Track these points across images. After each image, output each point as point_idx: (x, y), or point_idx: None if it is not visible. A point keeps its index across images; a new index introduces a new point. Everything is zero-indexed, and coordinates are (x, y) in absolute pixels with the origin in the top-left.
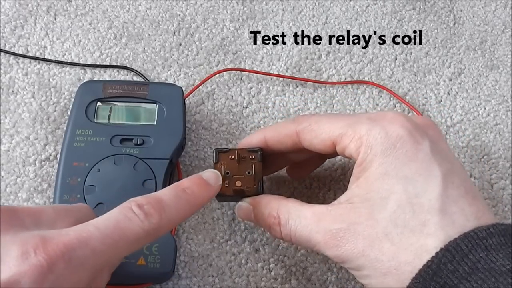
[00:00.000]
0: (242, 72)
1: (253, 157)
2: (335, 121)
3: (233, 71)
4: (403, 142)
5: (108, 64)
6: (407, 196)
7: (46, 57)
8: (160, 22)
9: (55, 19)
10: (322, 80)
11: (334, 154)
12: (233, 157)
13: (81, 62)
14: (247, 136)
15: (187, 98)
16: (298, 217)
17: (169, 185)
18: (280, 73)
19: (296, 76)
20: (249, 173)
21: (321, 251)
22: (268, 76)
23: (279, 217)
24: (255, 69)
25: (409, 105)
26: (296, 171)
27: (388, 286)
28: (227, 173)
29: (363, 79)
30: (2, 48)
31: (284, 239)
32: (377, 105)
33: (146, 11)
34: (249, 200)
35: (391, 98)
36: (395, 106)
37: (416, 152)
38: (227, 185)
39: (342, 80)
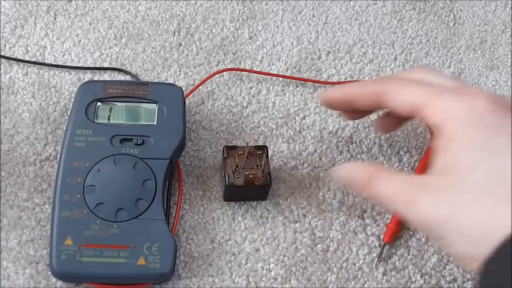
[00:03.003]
0: (242, 72)
1: (260, 152)
2: (418, 89)
3: (233, 71)
4: (489, 115)
5: (108, 64)
6: (494, 166)
7: (46, 57)
8: (160, 22)
9: (55, 19)
10: (322, 80)
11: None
12: (241, 153)
13: (80, 63)
14: (327, 89)
15: (187, 98)
16: (386, 179)
17: (168, 185)
18: (280, 73)
19: (296, 76)
20: (257, 166)
21: (404, 214)
22: (268, 76)
23: (372, 175)
24: (255, 69)
25: None
26: (385, 124)
27: (475, 253)
28: (237, 166)
29: (363, 79)
30: (2, 48)
31: (370, 197)
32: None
33: (146, 11)
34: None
35: None
36: None
37: (504, 125)
38: (238, 177)
39: (342, 80)
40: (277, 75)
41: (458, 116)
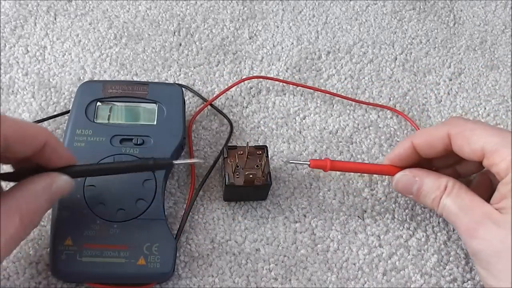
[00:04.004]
0: (263, 79)
1: (260, 153)
2: (490, 134)
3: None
4: None
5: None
6: None
7: (46, 57)
8: (160, 22)
9: (55, 19)
10: (323, 83)
11: (468, 173)
12: (242, 153)
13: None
14: (394, 148)
15: (186, 99)
16: (455, 197)
17: (166, 185)
18: (280, 73)
19: (317, 87)
20: (257, 166)
21: (460, 235)
22: (267, 76)
23: (446, 190)
24: (255, 69)
25: (399, 110)
26: None
27: None
28: (237, 166)
29: (363, 79)
30: (2, 48)
31: (435, 210)
32: (377, 105)
33: (146, 11)
34: (415, 171)
35: (391, 98)
36: (394, 105)
37: None
38: (238, 177)
39: (342, 80)
40: (300, 85)
41: None
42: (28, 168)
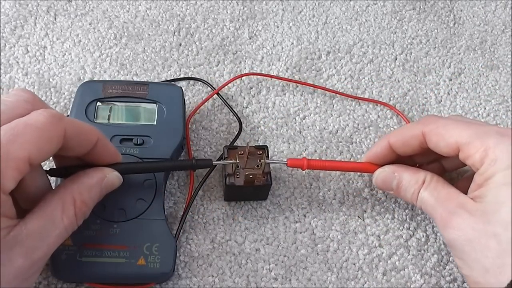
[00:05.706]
0: (257, 76)
1: (261, 153)
2: (463, 128)
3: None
4: None
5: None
6: None
7: (46, 57)
8: (160, 22)
9: (55, 19)
10: (323, 82)
11: (454, 167)
12: (242, 153)
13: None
14: (371, 148)
15: (186, 98)
16: (432, 190)
17: (166, 185)
18: (280, 73)
19: (318, 84)
20: (258, 166)
21: (437, 226)
22: (267, 76)
23: (424, 183)
24: (255, 69)
25: (395, 110)
26: None
27: (486, 282)
28: (238, 166)
29: (363, 79)
30: (2, 48)
31: (414, 204)
32: (377, 105)
33: (146, 11)
34: (393, 167)
35: (391, 98)
36: (394, 105)
37: None
38: (238, 177)
39: (342, 80)
40: (300, 82)
41: (497, 158)
42: (76, 165)
